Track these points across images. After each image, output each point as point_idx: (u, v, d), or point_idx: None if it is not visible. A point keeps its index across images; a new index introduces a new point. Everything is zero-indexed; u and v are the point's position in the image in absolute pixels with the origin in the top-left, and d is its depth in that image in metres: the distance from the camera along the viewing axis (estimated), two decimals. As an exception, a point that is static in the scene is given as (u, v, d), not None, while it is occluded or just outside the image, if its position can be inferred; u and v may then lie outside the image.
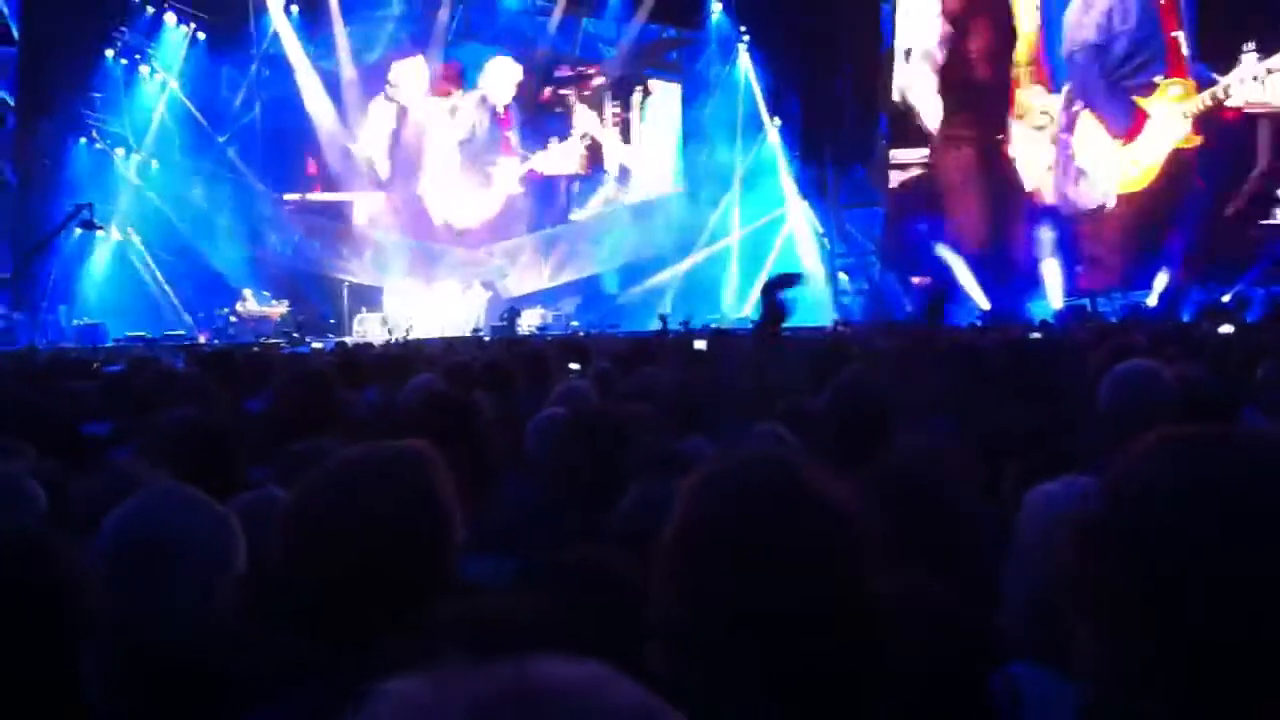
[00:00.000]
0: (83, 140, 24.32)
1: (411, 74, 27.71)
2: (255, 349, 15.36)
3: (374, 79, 27.65)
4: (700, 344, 10.08)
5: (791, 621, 1.54)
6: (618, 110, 28.06)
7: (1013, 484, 2.84)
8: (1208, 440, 1.25)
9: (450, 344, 15.23)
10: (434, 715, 0.80)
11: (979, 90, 24.49)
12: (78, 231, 22.75)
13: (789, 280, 4.24)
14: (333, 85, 27.11)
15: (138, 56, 25.22)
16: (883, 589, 1.61)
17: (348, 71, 27.16)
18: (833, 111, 25.87)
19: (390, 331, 24.11)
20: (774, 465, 1.68)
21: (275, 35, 26.50)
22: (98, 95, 24.65)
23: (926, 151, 25.09)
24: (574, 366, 7.52)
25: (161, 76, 25.78)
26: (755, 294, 24.72)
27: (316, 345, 17.35)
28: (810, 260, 25.48)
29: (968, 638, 2.08)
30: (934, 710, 1.76)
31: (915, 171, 25.26)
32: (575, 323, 25.57)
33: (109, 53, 24.52)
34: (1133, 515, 1.23)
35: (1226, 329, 10.15)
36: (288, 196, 27.76)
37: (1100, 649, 1.23)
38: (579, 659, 0.85)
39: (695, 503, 1.64)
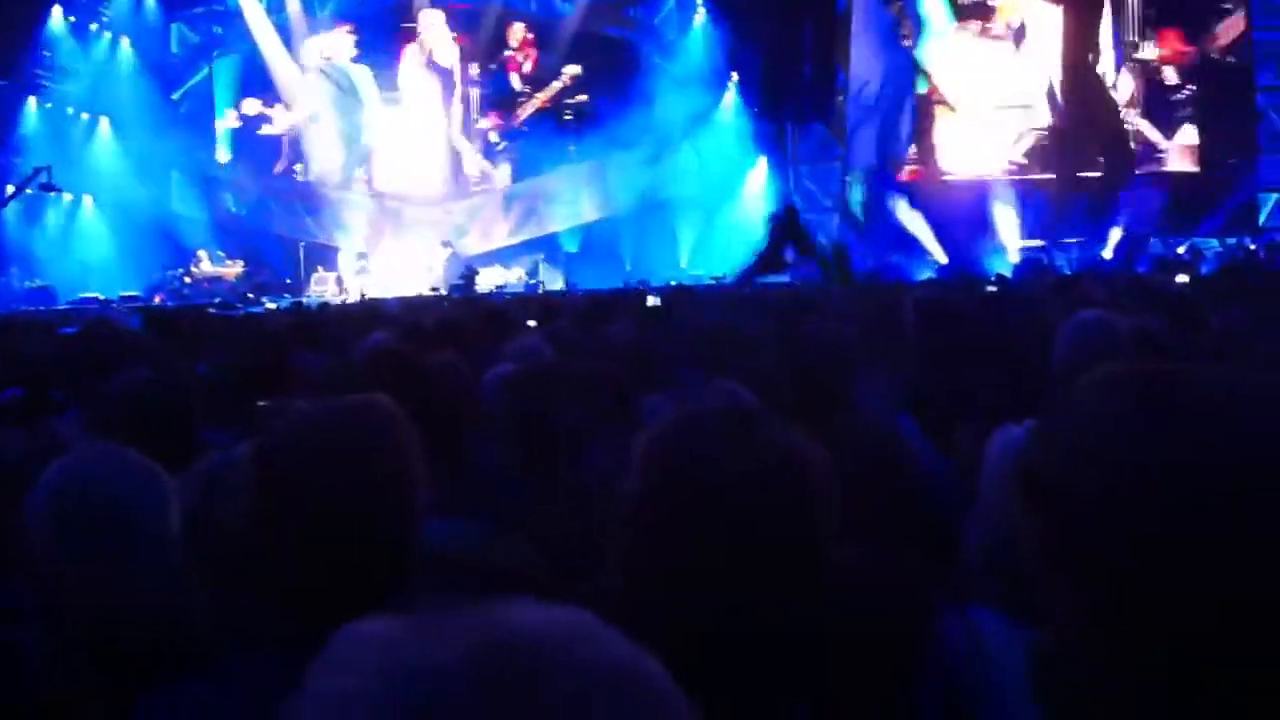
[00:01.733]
0: (33, 100, 23.97)
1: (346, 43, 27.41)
2: (211, 310, 15.21)
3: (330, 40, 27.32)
4: (654, 300, 10.06)
5: (749, 573, 1.54)
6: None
7: (973, 436, 2.84)
8: (1150, 375, 1.20)
9: (408, 303, 15.13)
10: (401, 656, 0.77)
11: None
12: (29, 192, 22.44)
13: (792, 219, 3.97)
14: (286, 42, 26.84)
15: (88, 15, 24.84)
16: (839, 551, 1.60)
17: (299, 27, 26.83)
18: (792, 68, 25.79)
19: (344, 291, 24.01)
20: (731, 416, 1.67)
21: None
22: (47, 54, 24.29)
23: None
24: (531, 324, 7.49)
25: (111, 35, 25.40)
26: (714, 252, 24.83)
27: (270, 305, 17.19)
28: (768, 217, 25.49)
29: (911, 592, 2.09)
30: (878, 661, 1.74)
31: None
32: (536, 280, 25.49)
33: (56, 10, 24.13)
34: (1069, 449, 1.18)
35: (1182, 279, 10.23)
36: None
37: (1047, 593, 1.20)
38: (561, 605, 0.83)
39: (652, 456, 1.63)
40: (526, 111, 27.93)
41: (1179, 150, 24.45)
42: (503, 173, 27.97)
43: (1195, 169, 24.29)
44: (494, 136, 28.15)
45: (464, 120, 27.94)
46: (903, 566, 2.01)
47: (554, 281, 25.53)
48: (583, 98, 27.61)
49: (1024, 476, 1.22)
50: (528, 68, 28.03)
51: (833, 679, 1.59)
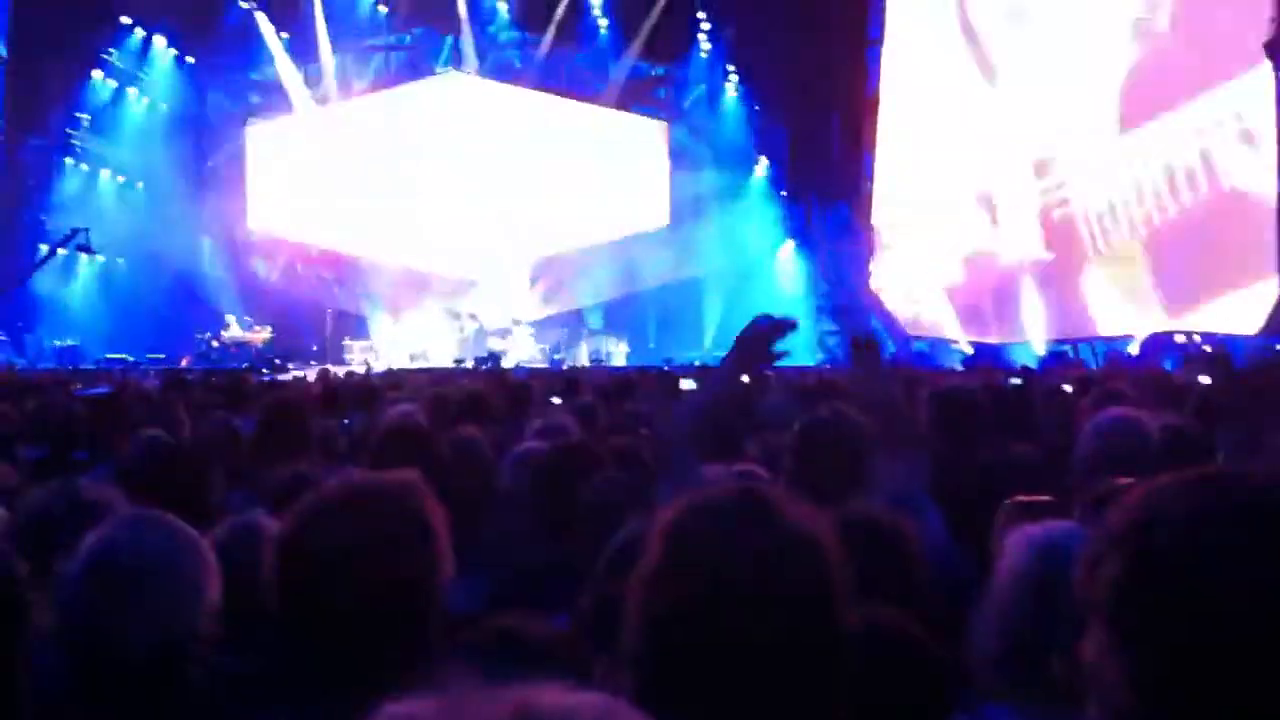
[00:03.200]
0: (69, 161, 24.34)
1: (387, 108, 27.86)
2: (238, 374, 15.30)
3: (361, 109, 27.74)
4: (688, 383, 10.02)
5: (765, 652, 1.54)
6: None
7: (1003, 523, 2.83)
8: (1217, 477, 1.28)
9: (432, 374, 15.19)
10: None
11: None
12: (61, 252, 22.70)
13: (783, 327, 4.02)
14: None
15: (126, 79, 25.27)
16: (853, 622, 1.61)
17: (335, 98, 27.27)
18: (820, 150, 25.99)
19: (371, 361, 24.14)
20: (748, 496, 1.67)
21: (264, 61, 26.59)
22: (85, 116, 24.68)
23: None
24: (556, 401, 7.51)
25: (149, 99, 25.83)
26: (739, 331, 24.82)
27: (297, 374, 17.30)
28: (794, 298, 25.56)
29: (936, 672, 2.08)
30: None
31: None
32: (559, 355, 25.56)
33: (97, 74, 24.56)
34: (1147, 550, 1.24)
35: (1206, 379, 10.15)
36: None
37: (1112, 683, 1.24)
38: (584, 687, 0.83)
39: (669, 535, 1.63)
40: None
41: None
42: (529, 247, 28.15)
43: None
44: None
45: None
46: (932, 646, 2.02)
47: (577, 357, 25.56)
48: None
49: (1111, 601, 1.27)
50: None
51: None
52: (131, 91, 25.50)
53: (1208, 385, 7.03)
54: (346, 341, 25.85)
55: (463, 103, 27.93)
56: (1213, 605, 1.17)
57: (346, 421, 6.52)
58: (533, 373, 16.50)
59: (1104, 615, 1.27)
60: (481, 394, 6.65)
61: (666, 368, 17.73)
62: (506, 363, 23.10)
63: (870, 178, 25.37)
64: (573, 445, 3.84)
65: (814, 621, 1.56)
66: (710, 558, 1.58)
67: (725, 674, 1.53)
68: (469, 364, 22.29)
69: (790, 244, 26.55)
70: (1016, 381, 9.36)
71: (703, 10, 26.15)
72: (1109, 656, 1.26)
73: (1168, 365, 16.67)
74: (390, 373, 17.99)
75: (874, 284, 25.08)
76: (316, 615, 1.94)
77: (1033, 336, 21.98)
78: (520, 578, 2.99)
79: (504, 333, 25.86)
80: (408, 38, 27.42)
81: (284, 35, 26.52)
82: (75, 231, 22.53)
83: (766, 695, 1.53)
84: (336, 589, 1.93)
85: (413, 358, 24.67)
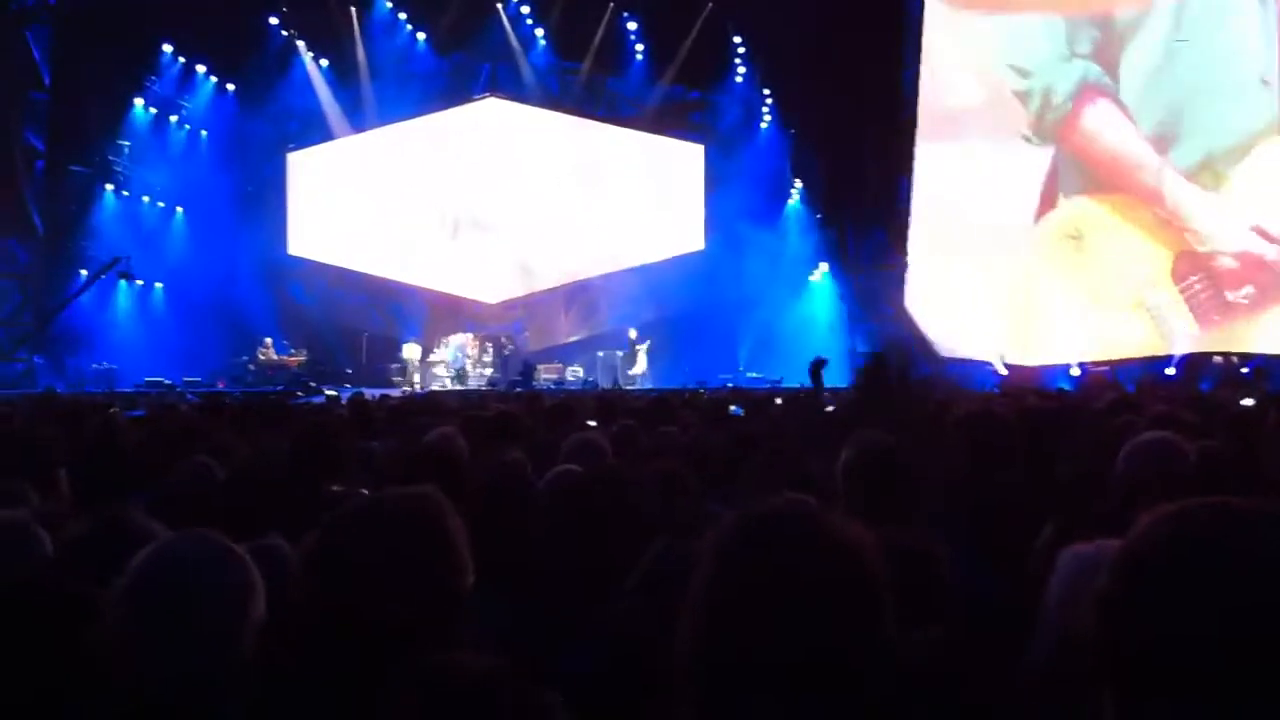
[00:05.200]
0: (110, 188, 24.60)
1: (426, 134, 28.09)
2: (272, 398, 15.41)
3: (399, 135, 27.98)
4: (735, 409, 9.99)
5: (816, 672, 1.55)
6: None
7: (1047, 543, 2.83)
8: (1224, 511, 1.25)
9: (467, 396, 15.24)
10: None
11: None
12: (100, 275, 22.99)
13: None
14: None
15: (167, 107, 25.56)
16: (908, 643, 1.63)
17: (374, 125, 27.53)
18: (855, 173, 25.93)
19: (410, 383, 24.28)
20: (799, 515, 1.69)
21: (304, 88, 26.84)
22: (127, 144, 24.97)
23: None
24: (591, 424, 7.51)
25: (189, 126, 26.12)
26: (767, 357, 24.81)
27: (331, 394, 17.40)
28: (830, 323, 25.52)
29: (988, 694, 2.08)
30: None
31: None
32: (592, 378, 25.57)
33: (139, 102, 24.86)
34: (1138, 585, 1.24)
35: (1248, 402, 10.07)
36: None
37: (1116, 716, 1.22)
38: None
39: (721, 554, 1.65)
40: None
41: None
42: (564, 269, 28.23)
43: None
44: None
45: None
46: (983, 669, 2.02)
47: (614, 380, 25.57)
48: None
49: (1101, 600, 1.27)
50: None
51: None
52: (172, 119, 25.80)
53: (1248, 407, 6.98)
54: (382, 366, 25.99)
55: (501, 129, 28.11)
56: (1180, 628, 1.18)
57: (376, 444, 6.53)
58: (568, 395, 16.52)
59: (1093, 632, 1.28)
60: (515, 415, 6.67)
61: (702, 390, 17.74)
62: (539, 385, 23.15)
63: (907, 201, 25.30)
64: (608, 469, 3.84)
65: (859, 635, 1.57)
66: (759, 570, 1.60)
67: (773, 686, 1.54)
68: (503, 388, 22.33)
69: (824, 266, 26.49)
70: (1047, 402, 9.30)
71: (738, 35, 26.20)
72: (1096, 669, 1.26)
73: (1204, 386, 16.55)
74: (424, 395, 18.06)
75: (909, 305, 24.99)
76: (340, 627, 1.97)
77: (1069, 357, 21.87)
78: (551, 599, 3.00)
79: (540, 357, 25.91)
80: (447, 65, 27.56)
81: (323, 62, 26.78)
82: (117, 259, 22.82)
83: (813, 708, 1.54)
84: (360, 600, 1.98)
85: (448, 382, 24.78)
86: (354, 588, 1.99)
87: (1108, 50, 22.10)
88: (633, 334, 25.75)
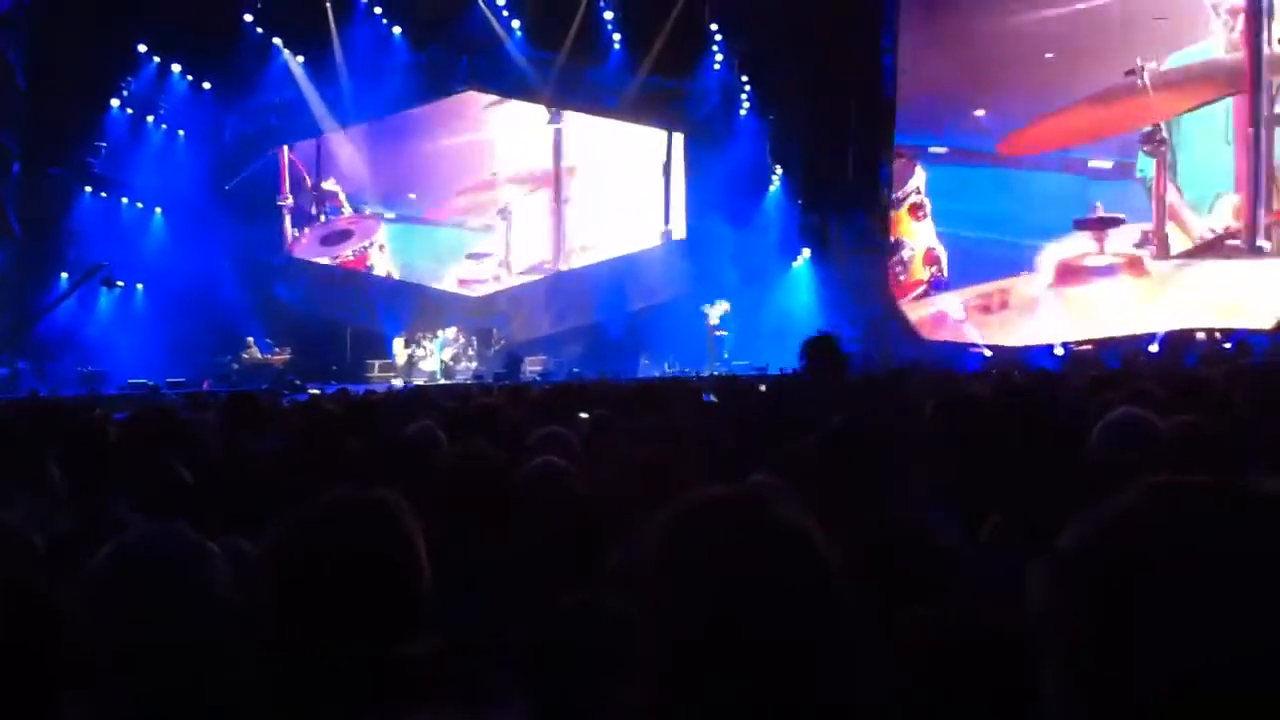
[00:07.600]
0: (88, 190, 24.50)
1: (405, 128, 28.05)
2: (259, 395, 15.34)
3: (379, 130, 27.94)
4: (710, 397, 9.97)
5: (765, 651, 1.56)
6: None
7: (993, 529, 2.85)
8: (1192, 489, 1.23)
9: (451, 390, 15.22)
10: None
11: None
12: (81, 283, 22.92)
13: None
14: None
15: (145, 107, 25.47)
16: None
17: (353, 120, 27.50)
18: (836, 159, 25.93)
19: (392, 379, 24.26)
20: (740, 500, 1.70)
21: (282, 84, 26.77)
22: (103, 145, 24.85)
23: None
24: (583, 415, 7.50)
25: (167, 126, 26.02)
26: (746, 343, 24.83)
27: (314, 391, 17.36)
28: (812, 308, 25.51)
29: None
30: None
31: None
32: (578, 369, 25.56)
33: (115, 103, 24.75)
34: (1096, 555, 1.21)
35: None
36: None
37: (1060, 693, 1.22)
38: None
39: (664, 539, 1.66)
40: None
41: None
42: (547, 262, 28.24)
43: None
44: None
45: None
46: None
47: (597, 370, 25.55)
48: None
49: (1051, 570, 1.26)
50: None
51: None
52: (149, 119, 25.71)
53: (1218, 378, 7.00)
54: (367, 361, 25.98)
55: (480, 121, 28.08)
56: (1116, 609, 1.15)
57: (360, 438, 6.53)
58: (552, 387, 16.51)
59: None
60: (496, 407, 6.68)
61: (686, 377, 17.72)
62: (525, 376, 23.14)
63: (888, 185, 25.34)
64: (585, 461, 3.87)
65: (809, 615, 1.58)
66: (701, 553, 1.61)
67: (726, 668, 1.55)
68: (488, 380, 22.32)
69: (807, 253, 26.48)
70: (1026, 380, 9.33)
71: (715, 23, 26.15)
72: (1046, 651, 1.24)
73: (1189, 361, 16.62)
74: (410, 388, 18.04)
75: (893, 290, 25.05)
76: (300, 627, 1.99)
77: (1052, 337, 21.95)
78: (523, 593, 3.02)
79: (522, 349, 25.89)
80: (424, 58, 27.48)
81: (300, 59, 26.70)
82: (98, 266, 22.74)
83: (772, 690, 1.56)
84: (318, 601, 1.99)
85: (432, 376, 24.77)
86: (308, 590, 2.00)
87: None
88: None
